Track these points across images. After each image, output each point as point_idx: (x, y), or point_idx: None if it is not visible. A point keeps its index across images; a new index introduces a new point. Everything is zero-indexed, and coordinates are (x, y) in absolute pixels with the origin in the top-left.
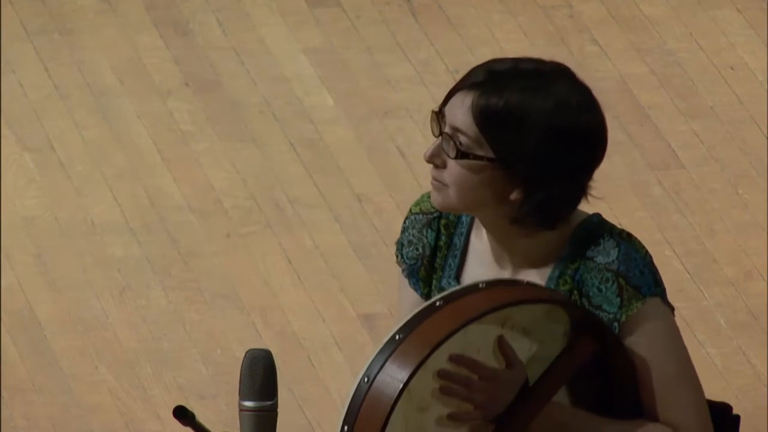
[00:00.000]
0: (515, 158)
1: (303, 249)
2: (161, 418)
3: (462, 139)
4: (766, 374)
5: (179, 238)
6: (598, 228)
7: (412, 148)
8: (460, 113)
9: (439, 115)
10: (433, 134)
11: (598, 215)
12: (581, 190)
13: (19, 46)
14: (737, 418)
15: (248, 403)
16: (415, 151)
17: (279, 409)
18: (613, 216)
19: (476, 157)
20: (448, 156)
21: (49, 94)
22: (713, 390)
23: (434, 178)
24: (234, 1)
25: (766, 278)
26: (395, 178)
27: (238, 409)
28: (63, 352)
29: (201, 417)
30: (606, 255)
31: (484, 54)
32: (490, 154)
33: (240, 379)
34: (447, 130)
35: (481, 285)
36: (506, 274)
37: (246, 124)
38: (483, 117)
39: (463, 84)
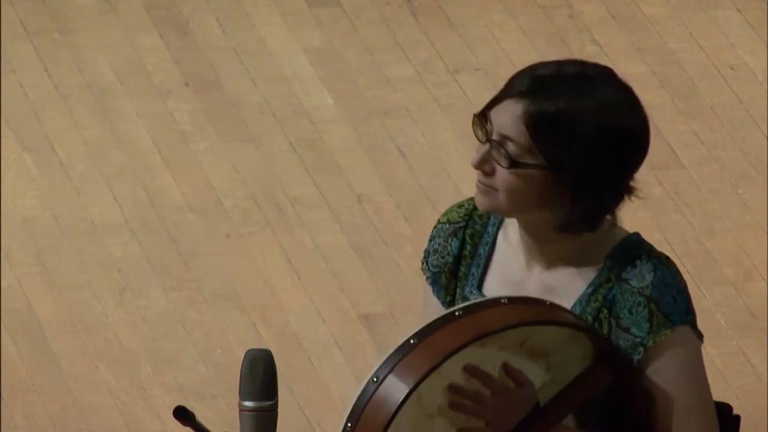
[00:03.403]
0: (566, 164)
1: (303, 249)
2: (161, 418)
3: (510, 146)
4: (766, 374)
5: (179, 238)
6: (637, 249)
7: (412, 148)
8: (509, 121)
9: (484, 121)
10: (479, 140)
11: (637, 234)
12: (627, 190)
13: (19, 46)
14: (737, 418)
15: (248, 403)
16: (415, 151)
17: (279, 409)
18: None
19: (528, 165)
20: (500, 165)
21: (49, 94)
22: (713, 390)
23: (482, 183)
24: (234, 1)
25: (766, 278)
26: (395, 178)
27: (238, 409)
28: (63, 352)
29: (201, 417)
30: (641, 278)
31: (484, 54)
32: (542, 161)
33: (240, 379)
34: (495, 137)
35: (503, 300)
36: (534, 283)
37: (246, 124)
38: (535, 125)
39: (511, 92)
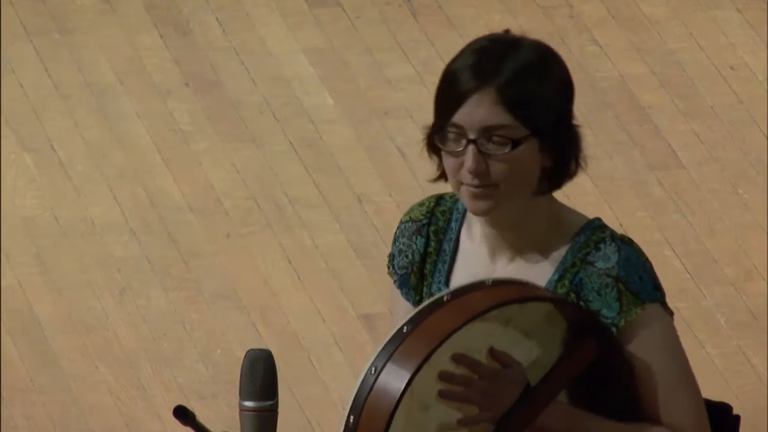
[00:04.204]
0: (546, 124)
1: (303, 249)
2: (161, 418)
3: (499, 133)
4: (766, 374)
5: (179, 238)
6: (599, 232)
7: (412, 148)
8: (486, 112)
9: (453, 129)
10: (452, 151)
11: (599, 219)
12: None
13: (19, 46)
14: (737, 418)
15: (248, 403)
16: (415, 151)
17: (279, 409)
18: (613, 216)
19: (525, 139)
20: (498, 154)
21: (49, 94)
22: (713, 390)
23: (478, 186)
24: (234, 1)
25: (766, 278)
26: (395, 178)
27: (238, 409)
28: (63, 352)
29: (201, 417)
30: (606, 260)
31: None
32: (528, 132)
33: (240, 379)
34: (475, 135)
35: (488, 282)
36: (500, 274)
37: (246, 124)
38: (514, 101)
39: (463, 91)
